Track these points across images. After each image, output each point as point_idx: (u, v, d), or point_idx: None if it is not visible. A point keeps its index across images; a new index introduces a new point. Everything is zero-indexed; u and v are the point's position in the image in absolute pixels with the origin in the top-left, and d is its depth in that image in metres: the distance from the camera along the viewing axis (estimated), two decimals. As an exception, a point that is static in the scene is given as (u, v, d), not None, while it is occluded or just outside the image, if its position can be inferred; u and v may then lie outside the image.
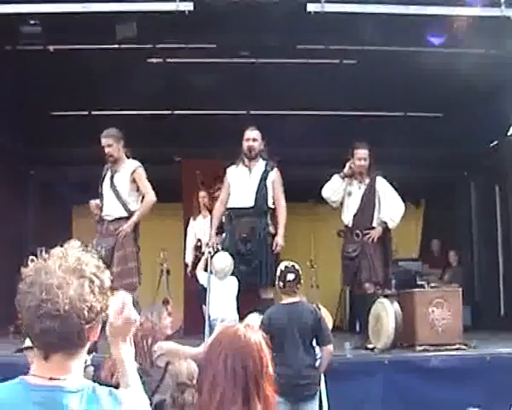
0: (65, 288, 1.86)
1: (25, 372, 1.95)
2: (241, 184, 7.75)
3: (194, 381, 4.30)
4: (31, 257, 1.96)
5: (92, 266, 1.95)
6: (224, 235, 7.97)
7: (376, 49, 8.67)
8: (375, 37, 7.84)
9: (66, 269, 1.90)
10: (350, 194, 8.08)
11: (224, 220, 7.99)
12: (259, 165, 7.80)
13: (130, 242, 7.46)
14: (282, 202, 7.77)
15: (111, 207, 7.50)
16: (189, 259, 9.70)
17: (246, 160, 7.78)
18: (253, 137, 7.76)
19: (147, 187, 7.56)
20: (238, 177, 7.80)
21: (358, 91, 9.80)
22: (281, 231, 7.64)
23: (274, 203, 7.77)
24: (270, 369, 2.23)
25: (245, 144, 7.75)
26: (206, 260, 7.49)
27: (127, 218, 7.49)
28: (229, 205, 7.85)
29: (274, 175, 7.79)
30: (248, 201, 7.67)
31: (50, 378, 1.87)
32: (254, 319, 6.32)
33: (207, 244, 8.00)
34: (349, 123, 10.40)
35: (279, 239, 7.59)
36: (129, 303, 2.18)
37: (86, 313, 1.87)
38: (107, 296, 1.97)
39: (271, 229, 7.69)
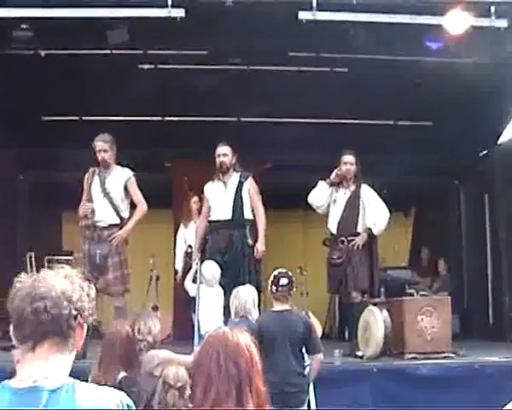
0: (58, 282, 1.99)
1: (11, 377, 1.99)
2: (218, 199, 7.94)
3: (179, 384, 4.32)
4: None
5: (80, 279, 2.06)
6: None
7: (367, 57, 8.70)
8: (367, 45, 7.87)
9: (59, 276, 2.02)
10: (335, 201, 8.13)
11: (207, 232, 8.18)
12: (234, 178, 7.99)
13: (123, 249, 7.52)
14: (261, 208, 7.94)
15: (104, 214, 7.48)
16: (179, 265, 9.67)
17: (220, 175, 7.96)
18: (223, 152, 7.94)
19: (139, 196, 7.62)
20: (215, 192, 7.99)
21: (349, 99, 9.82)
22: (261, 236, 7.78)
23: (253, 213, 7.88)
24: (259, 366, 2.31)
25: (217, 160, 7.94)
26: (195, 271, 7.49)
27: (119, 225, 7.50)
28: (210, 218, 8.04)
29: (248, 185, 7.96)
30: (226, 214, 7.86)
31: (33, 381, 1.91)
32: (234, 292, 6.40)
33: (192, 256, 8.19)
34: (340, 130, 10.41)
35: (259, 245, 7.72)
36: None
37: (75, 299, 1.98)
38: (93, 307, 2.07)
39: (250, 241, 7.80)
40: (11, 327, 2.00)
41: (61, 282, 2.00)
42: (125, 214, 7.62)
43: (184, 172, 10.94)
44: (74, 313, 1.97)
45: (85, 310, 2.02)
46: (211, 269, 7.32)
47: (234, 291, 6.49)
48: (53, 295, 1.94)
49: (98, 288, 7.28)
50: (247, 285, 6.73)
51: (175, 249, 9.96)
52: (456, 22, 7.25)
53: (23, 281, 2.01)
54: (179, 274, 9.53)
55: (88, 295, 2.05)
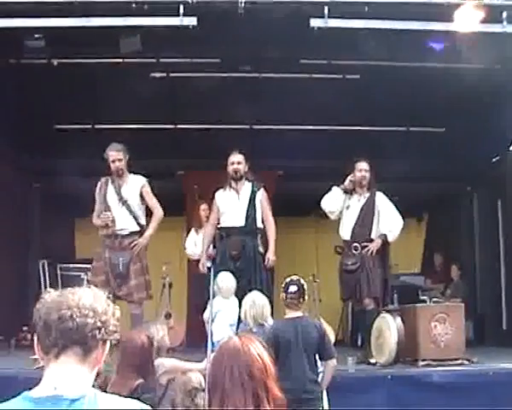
0: (85, 296, 2.03)
1: (25, 386, 2.01)
2: (231, 206, 7.93)
3: (203, 386, 4.32)
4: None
5: (106, 299, 2.10)
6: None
7: (379, 64, 8.71)
8: (378, 52, 7.87)
9: (87, 292, 2.08)
10: (348, 207, 8.10)
11: (216, 240, 8.16)
12: (246, 186, 7.99)
13: (144, 255, 7.64)
14: (271, 218, 7.98)
15: (125, 222, 7.57)
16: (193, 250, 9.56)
17: (233, 183, 7.96)
18: (237, 160, 7.95)
19: (155, 202, 7.73)
20: (227, 199, 7.97)
21: (362, 106, 9.83)
22: (271, 246, 7.81)
23: (263, 222, 7.91)
24: (274, 372, 2.31)
25: (230, 168, 7.95)
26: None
27: (139, 232, 7.57)
28: (221, 225, 8.01)
29: (261, 195, 7.98)
30: (239, 221, 7.86)
31: (54, 389, 1.91)
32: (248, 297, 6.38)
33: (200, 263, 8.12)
34: (352, 137, 10.42)
35: (270, 255, 7.76)
36: None
37: (101, 312, 2.00)
38: (118, 327, 2.09)
39: (261, 249, 7.84)
40: (35, 340, 2.02)
41: (88, 296, 2.03)
42: (143, 221, 7.73)
43: (196, 179, 10.95)
44: (99, 324, 1.99)
45: (110, 325, 2.03)
46: (228, 281, 7.26)
47: (248, 299, 6.48)
48: (79, 306, 1.97)
49: (121, 296, 7.39)
50: (258, 292, 6.71)
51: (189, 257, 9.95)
52: (466, 20, 7.23)
53: (51, 293, 2.04)
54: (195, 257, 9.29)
55: (113, 314, 2.07)
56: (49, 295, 2.03)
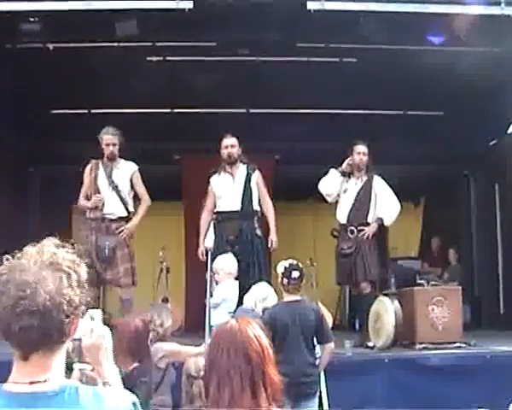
0: (42, 283, 1.79)
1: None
2: (227, 190, 7.88)
3: (202, 373, 4.33)
4: (5, 256, 1.89)
5: (68, 260, 1.88)
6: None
7: (377, 47, 8.67)
8: (376, 35, 7.84)
9: (41, 264, 1.84)
10: (346, 191, 8.10)
11: (212, 225, 8.08)
12: (241, 169, 7.94)
13: (131, 242, 7.59)
14: (268, 200, 7.95)
15: (113, 206, 7.56)
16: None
17: (227, 166, 7.92)
18: (231, 143, 7.90)
19: (144, 190, 7.75)
20: (222, 184, 7.93)
21: (359, 90, 9.79)
22: (272, 228, 7.78)
23: (260, 205, 7.87)
24: (272, 355, 2.28)
25: (224, 152, 7.88)
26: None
27: (126, 218, 7.56)
28: (217, 209, 7.96)
29: (256, 177, 7.93)
30: (235, 204, 7.81)
31: (31, 382, 1.80)
32: (262, 288, 6.38)
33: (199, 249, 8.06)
34: (349, 121, 10.40)
35: (273, 236, 7.72)
36: (97, 320, 2.16)
37: (65, 307, 1.81)
38: (85, 289, 1.90)
39: (258, 232, 7.79)
40: None
41: (46, 280, 1.81)
42: (131, 208, 7.75)
43: (195, 164, 10.91)
44: (66, 320, 1.81)
45: (77, 307, 1.85)
46: (232, 262, 7.19)
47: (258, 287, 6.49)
48: (40, 309, 1.77)
49: (108, 280, 7.42)
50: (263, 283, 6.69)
51: (186, 241, 9.91)
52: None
53: (4, 278, 1.83)
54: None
55: (78, 280, 1.87)
56: (4, 284, 1.81)
